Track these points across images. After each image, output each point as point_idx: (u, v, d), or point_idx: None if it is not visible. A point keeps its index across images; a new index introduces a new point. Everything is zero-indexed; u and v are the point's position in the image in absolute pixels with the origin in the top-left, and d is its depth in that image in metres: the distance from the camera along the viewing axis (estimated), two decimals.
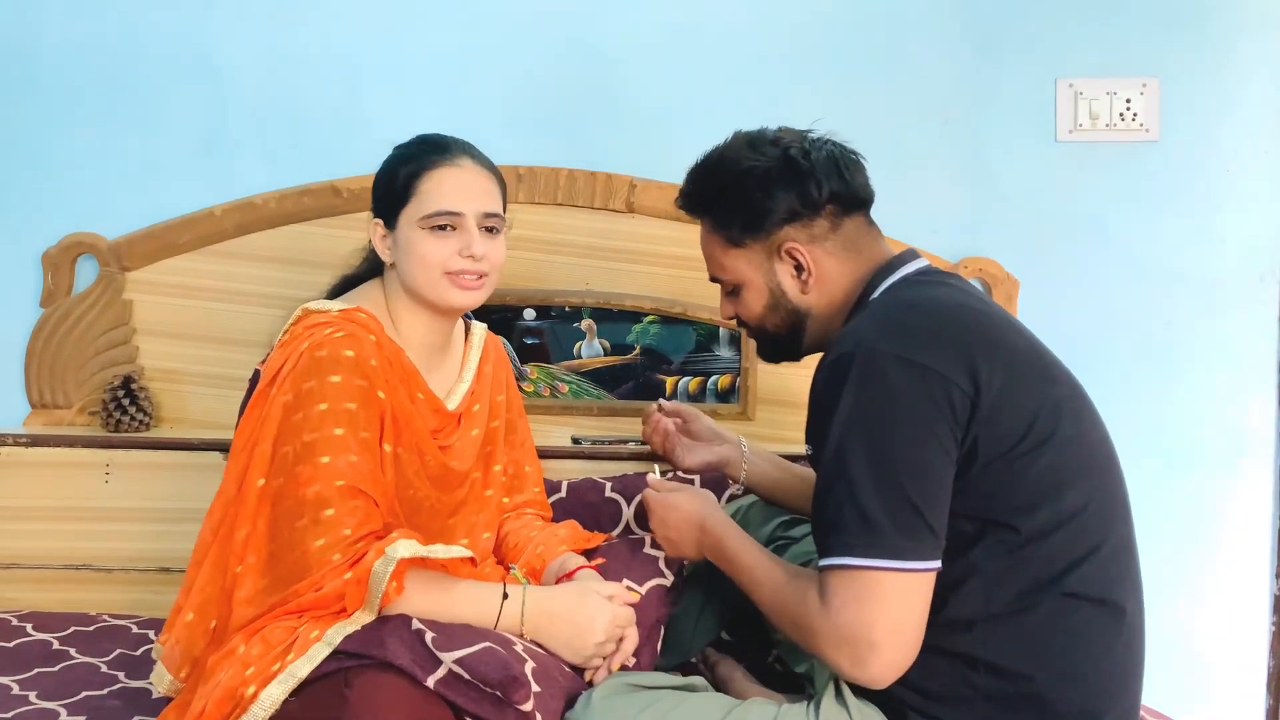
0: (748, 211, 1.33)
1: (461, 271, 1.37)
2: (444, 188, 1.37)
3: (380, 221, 1.41)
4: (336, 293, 1.46)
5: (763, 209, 1.32)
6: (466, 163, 1.40)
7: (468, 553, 1.25)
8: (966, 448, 1.15)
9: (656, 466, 1.57)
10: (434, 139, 1.43)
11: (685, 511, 1.39)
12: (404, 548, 1.19)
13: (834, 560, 1.14)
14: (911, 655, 1.14)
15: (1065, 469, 1.18)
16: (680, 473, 1.69)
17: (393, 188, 1.39)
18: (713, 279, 1.44)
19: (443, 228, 1.37)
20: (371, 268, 1.48)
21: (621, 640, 1.32)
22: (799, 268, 1.33)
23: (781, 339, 1.39)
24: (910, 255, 1.33)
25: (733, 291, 1.40)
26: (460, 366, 1.52)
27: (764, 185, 1.31)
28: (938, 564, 1.14)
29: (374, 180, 1.44)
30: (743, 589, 1.31)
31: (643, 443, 1.76)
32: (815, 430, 1.22)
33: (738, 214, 1.34)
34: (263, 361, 1.38)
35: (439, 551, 1.22)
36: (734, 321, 1.45)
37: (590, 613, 1.30)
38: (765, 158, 1.32)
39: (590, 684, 1.29)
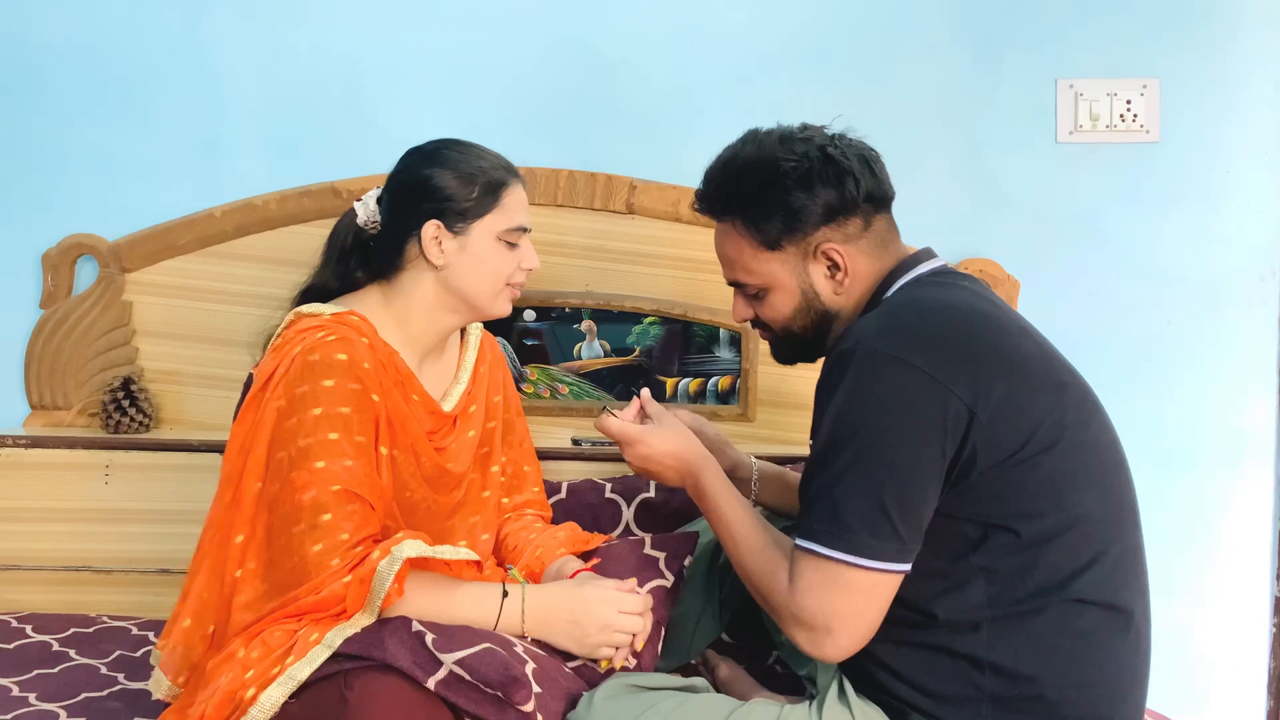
0: (788, 212, 1.27)
1: (518, 284, 1.42)
2: (519, 203, 1.42)
3: (440, 224, 1.37)
4: (300, 300, 1.43)
5: (805, 209, 1.27)
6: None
7: (473, 555, 1.25)
8: (965, 455, 1.14)
9: (607, 404, 1.53)
10: (488, 152, 1.42)
11: (667, 433, 1.35)
12: (410, 547, 1.19)
13: (804, 544, 1.18)
14: (864, 641, 1.18)
15: (1069, 475, 1.17)
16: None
17: (471, 194, 1.37)
18: (732, 283, 1.37)
19: (514, 244, 1.40)
20: (340, 278, 1.44)
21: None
22: (833, 268, 1.30)
23: (807, 341, 1.35)
24: (926, 254, 1.32)
25: (757, 294, 1.34)
26: (456, 368, 1.52)
27: (806, 184, 1.26)
28: (904, 567, 1.15)
29: (432, 182, 1.37)
30: (716, 535, 1.33)
31: None
32: (814, 421, 1.22)
33: (777, 215, 1.28)
34: (256, 365, 1.38)
35: (445, 552, 1.22)
36: (748, 324, 1.40)
37: (586, 598, 1.31)
38: (804, 157, 1.27)
39: (607, 672, 1.30)
